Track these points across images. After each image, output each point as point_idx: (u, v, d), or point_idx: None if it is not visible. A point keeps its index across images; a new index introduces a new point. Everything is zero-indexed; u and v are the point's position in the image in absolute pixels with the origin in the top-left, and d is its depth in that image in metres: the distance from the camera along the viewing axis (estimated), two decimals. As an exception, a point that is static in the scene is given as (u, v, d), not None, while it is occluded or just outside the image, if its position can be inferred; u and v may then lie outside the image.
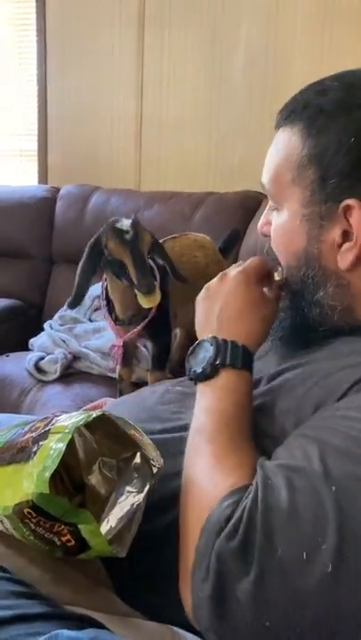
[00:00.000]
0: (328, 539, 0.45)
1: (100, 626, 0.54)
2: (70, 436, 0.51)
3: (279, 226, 0.70)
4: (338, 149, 0.62)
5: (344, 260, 0.64)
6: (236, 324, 0.68)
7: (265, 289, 0.72)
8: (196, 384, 0.66)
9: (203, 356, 0.66)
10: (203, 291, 0.74)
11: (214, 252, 1.70)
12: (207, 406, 0.63)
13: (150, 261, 1.35)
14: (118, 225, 1.26)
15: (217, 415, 0.61)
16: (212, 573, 0.49)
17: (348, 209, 0.63)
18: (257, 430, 0.62)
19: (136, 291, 1.23)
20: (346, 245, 0.64)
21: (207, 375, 0.64)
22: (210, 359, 0.64)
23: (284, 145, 0.68)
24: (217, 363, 0.64)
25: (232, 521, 0.50)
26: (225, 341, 0.66)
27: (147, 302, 1.25)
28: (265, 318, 0.70)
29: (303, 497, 0.48)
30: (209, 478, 0.56)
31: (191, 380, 0.67)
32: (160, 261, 1.34)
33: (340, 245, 0.64)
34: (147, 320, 1.41)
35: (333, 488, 0.47)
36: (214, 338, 0.66)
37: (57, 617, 0.53)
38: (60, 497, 0.50)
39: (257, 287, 0.71)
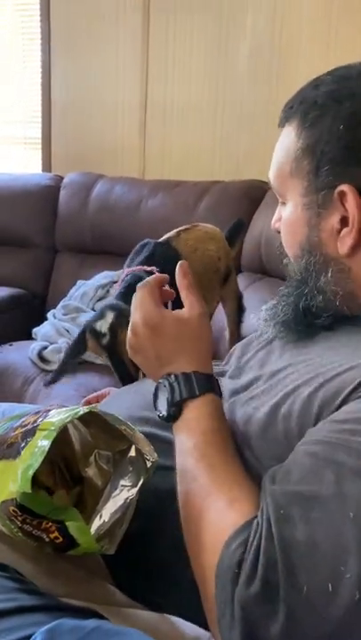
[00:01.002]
0: (351, 567, 0.45)
1: (100, 617, 0.54)
2: (55, 434, 0.51)
3: (285, 219, 0.72)
4: (329, 138, 0.63)
5: (343, 245, 0.65)
6: (175, 356, 0.68)
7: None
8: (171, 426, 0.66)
9: (163, 398, 0.66)
10: (128, 349, 0.73)
11: (224, 243, 1.69)
12: (181, 447, 0.62)
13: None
14: (97, 326, 1.27)
15: (194, 452, 0.60)
16: (239, 621, 0.47)
17: (342, 195, 0.64)
18: (259, 431, 0.61)
19: None
20: (344, 231, 0.65)
21: (173, 415, 0.64)
22: (169, 400, 0.65)
23: (284, 141, 0.70)
24: (177, 400, 0.64)
25: (246, 564, 0.48)
26: (176, 376, 0.65)
27: None
28: (193, 331, 0.69)
29: (321, 528, 0.47)
30: (207, 522, 0.54)
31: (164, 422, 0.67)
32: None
33: (339, 231, 0.65)
34: None
35: (351, 514, 0.46)
36: (167, 376, 0.66)
37: (59, 608, 0.53)
38: (46, 494, 0.50)
39: (162, 312, 0.70)
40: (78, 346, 1.32)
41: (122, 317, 1.23)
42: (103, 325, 1.25)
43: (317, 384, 0.58)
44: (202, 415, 0.63)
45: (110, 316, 1.25)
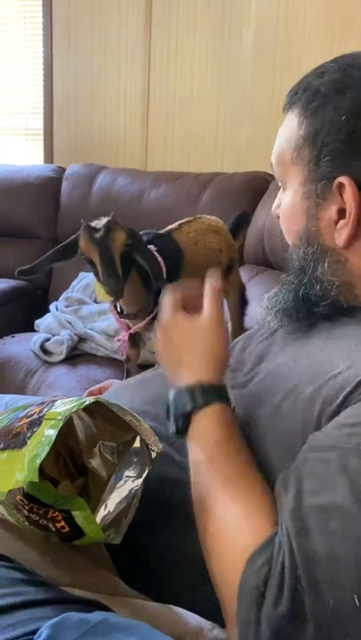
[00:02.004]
0: None
1: (106, 609, 0.54)
2: (62, 424, 0.51)
3: (284, 206, 0.72)
4: (330, 129, 0.63)
5: (340, 237, 0.65)
6: (180, 364, 0.68)
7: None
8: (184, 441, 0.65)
9: (171, 413, 0.65)
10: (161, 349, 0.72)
11: (227, 235, 1.69)
12: (194, 459, 0.61)
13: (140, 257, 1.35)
14: (93, 223, 1.26)
15: (208, 465, 0.59)
16: None
17: (341, 187, 0.64)
18: (261, 429, 0.61)
19: (103, 287, 1.25)
20: (341, 223, 0.65)
21: (182, 429, 0.63)
22: (174, 414, 0.64)
23: (286, 127, 0.70)
24: (181, 413, 0.63)
25: (273, 583, 0.47)
26: (179, 390, 0.65)
27: (105, 298, 1.29)
28: (200, 339, 0.69)
29: (340, 539, 0.46)
30: (226, 538, 0.53)
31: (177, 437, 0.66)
32: (142, 262, 1.32)
33: (336, 223, 0.65)
34: (151, 315, 1.40)
35: None
36: (172, 390, 0.66)
37: (64, 601, 0.53)
38: (52, 484, 0.50)
39: (176, 318, 0.71)
40: (70, 245, 1.29)
41: (117, 223, 1.25)
42: (98, 223, 1.25)
43: (320, 382, 0.58)
44: (210, 426, 0.62)
45: (106, 219, 1.26)
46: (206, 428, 0.61)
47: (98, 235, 1.23)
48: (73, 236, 1.30)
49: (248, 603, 0.48)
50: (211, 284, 0.71)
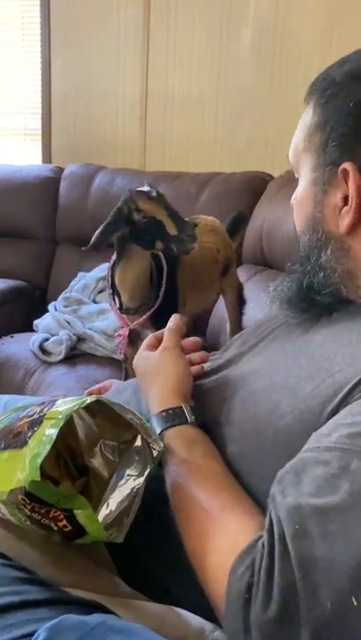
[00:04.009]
0: None
1: (106, 610, 0.54)
2: (62, 423, 0.51)
3: (297, 194, 0.73)
4: (340, 114, 0.64)
5: (343, 223, 0.65)
6: (145, 392, 0.74)
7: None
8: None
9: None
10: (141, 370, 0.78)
11: (224, 235, 1.69)
12: (168, 482, 0.62)
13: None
14: (140, 189, 1.29)
15: (177, 485, 0.60)
16: None
17: (346, 173, 0.64)
18: (259, 426, 0.61)
19: (172, 243, 1.25)
20: (345, 209, 0.65)
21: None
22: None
23: (303, 118, 0.71)
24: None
25: (259, 587, 0.46)
26: (150, 418, 0.68)
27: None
28: (153, 366, 0.75)
29: (339, 541, 0.45)
30: (208, 551, 0.53)
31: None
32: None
33: (340, 209, 0.66)
34: (153, 310, 1.40)
35: None
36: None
37: (64, 602, 0.53)
38: (53, 484, 0.49)
39: (141, 352, 0.80)
40: (119, 214, 1.28)
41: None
42: (145, 188, 1.29)
43: (320, 379, 0.57)
44: (170, 451, 0.63)
45: (147, 185, 1.30)
46: (170, 451, 0.63)
47: (154, 193, 1.27)
48: (116, 208, 1.29)
49: (234, 611, 0.47)
50: (174, 319, 0.80)
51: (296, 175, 0.75)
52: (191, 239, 1.25)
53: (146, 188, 1.29)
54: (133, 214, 1.27)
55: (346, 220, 0.65)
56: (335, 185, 0.65)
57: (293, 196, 0.76)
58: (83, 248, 1.35)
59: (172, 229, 1.24)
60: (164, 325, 1.40)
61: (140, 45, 2.58)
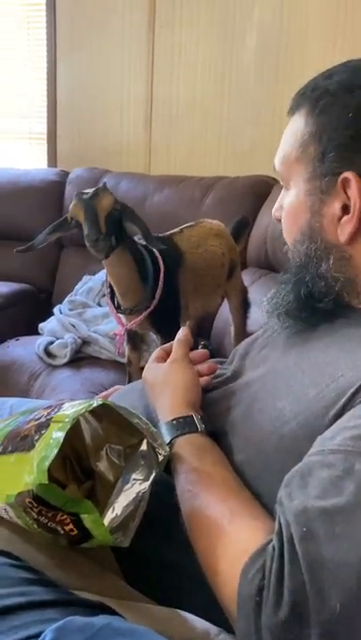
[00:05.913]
0: None
1: (112, 612, 0.54)
2: (69, 426, 0.51)
3: (288, 204, 0.72)
4: (338, 125, 0.64)
5: (343, 232, 0.65)
6: (153, 403, 0.75)
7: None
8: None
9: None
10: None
11: (228, 238, 1.70)
12: (178, 490, 0.63)
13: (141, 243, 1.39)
14: (82, 191, 1.32)
15: (188, 492, 0.61)
16: None
17: (346, 182, 0.64)
18: (264, 433, 0.61)
19: (87, 244, 1.28)
20: (345, 218, 0.65)
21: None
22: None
23: (292, 128, 0.70)
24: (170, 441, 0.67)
25: (269, 590, 0.46)
26: (160, 427, 0.69)
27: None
28: (161, 378, 0.77)
29: (347, 542, 0.45)
30: (220, 555, 0.54)
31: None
32: (133, 225, 1.36)
33: (339, 219, 0.66)
34: (148, 311, 1.41)
35: None
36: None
37: (69, 604, 0.53)
38: (60, 487, 0.50)
39: (150, 364, 0.82)
40: (65, 218, 1.35)
41: (106, 189, 1.32)
42: (90, 191, 1.31)
43: (323, 384, 0.58)
44: (180, 459, 0.64)
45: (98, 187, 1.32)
46: (181, 459, 0.64)
47: (85, 196, 1.29)
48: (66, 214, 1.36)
49: (246, 614, 0.48)
50: (182, 331, 0.82)
51: (282, 184, 0.74)
52: (95, 243, 1.26)
53: (89, 190, 1.31)
54: (68, 217, 1.33)
55: (347, 229, 0.65)
56: (333, 194, 0.66)
57: (277, 206, 0.76)
58: (15, 250, 1.43)
59: (84, 229, 1.27)
60: (163, 326, 1.40)
61: (145, 50, 2.59)
